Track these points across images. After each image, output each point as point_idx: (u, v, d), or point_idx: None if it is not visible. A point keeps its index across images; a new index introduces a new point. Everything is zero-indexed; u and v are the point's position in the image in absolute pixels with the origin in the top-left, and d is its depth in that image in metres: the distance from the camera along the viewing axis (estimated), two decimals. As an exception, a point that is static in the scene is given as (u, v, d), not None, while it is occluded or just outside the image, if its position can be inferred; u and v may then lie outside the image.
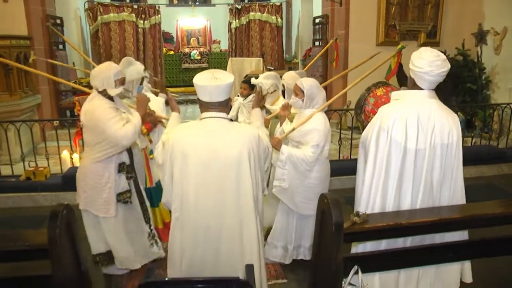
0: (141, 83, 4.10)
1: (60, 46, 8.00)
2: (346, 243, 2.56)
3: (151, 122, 3.77)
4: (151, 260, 3.73)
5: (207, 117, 2.49)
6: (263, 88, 4.33)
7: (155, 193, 4.16)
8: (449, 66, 2.68)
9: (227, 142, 2.45)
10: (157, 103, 4.18)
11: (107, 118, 3.19)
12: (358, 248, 2.88)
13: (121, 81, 3.38)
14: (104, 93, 3.31)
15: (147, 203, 3.71)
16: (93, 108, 3.26)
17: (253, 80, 4.63)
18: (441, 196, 2.81)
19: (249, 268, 2.40)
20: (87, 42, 10.10)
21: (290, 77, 4.14)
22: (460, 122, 7.10)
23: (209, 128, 2.47)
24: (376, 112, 2.91)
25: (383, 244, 2.80)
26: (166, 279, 2.06)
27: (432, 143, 2.68)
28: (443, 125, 2.70)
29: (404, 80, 4.67)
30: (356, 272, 2.57)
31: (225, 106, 2.52)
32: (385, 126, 2.70)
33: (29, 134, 5.80)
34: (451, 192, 2.82)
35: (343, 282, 2.57)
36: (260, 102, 3.53)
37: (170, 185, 2.51)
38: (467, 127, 7.32)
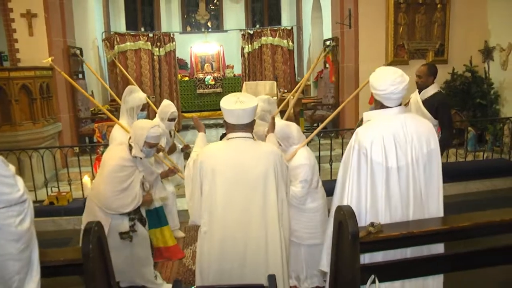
0: (142, 109, 4.26)
1: (80, 76, 8.29)
2: (362, 253, 2.66)
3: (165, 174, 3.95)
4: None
5: (234, 137, 2.62)
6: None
7: (162, 212, 4.27)
8: (407, 78, 2.67)
9: (253, 159, 2.59)
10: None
11: (111, 176, 3.28)
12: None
13: (151, 145, 3.42)
14: (131, 146, 3.39)
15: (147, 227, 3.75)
16: (112, 156, 3.38)
17: None
18: (429, 209, 2.81)
19: (271, 278, 2.51)
20: (105, 71, 10.41)
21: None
22: (472, 137, 7.13)
23: (236, 147, 2.60)
24: None
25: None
26: (194, 287, 2.18)
27: (413, 157, 2.68)
28: (420, 136, 2.70)
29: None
30: (373, 282, 2.67)
31: (250, 127, 2.65)
32: (363, 148, 2.66)
33: (51, 160, 6.01)
34: (438, 204, 2.82)
35: (360, 291, 2.66)
36: (273, 127, 3.46)
37: (200, 201, 2.61)
38: (478, 141, 7.42)
